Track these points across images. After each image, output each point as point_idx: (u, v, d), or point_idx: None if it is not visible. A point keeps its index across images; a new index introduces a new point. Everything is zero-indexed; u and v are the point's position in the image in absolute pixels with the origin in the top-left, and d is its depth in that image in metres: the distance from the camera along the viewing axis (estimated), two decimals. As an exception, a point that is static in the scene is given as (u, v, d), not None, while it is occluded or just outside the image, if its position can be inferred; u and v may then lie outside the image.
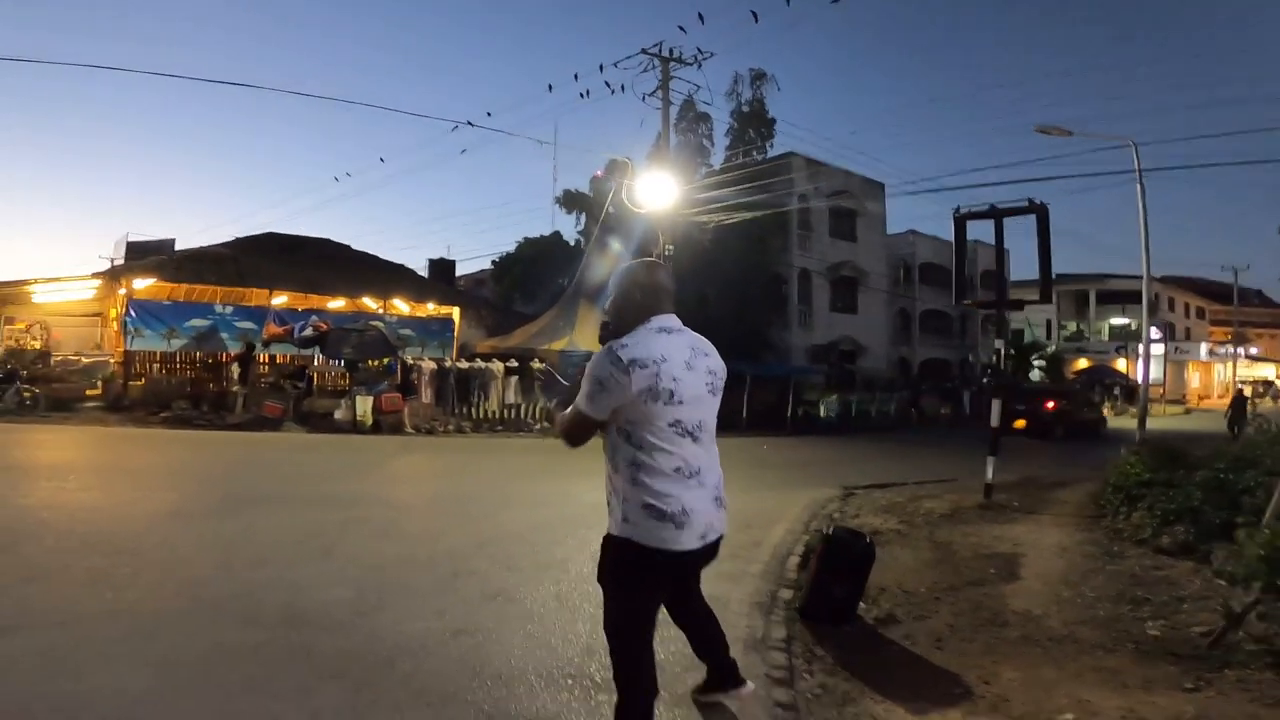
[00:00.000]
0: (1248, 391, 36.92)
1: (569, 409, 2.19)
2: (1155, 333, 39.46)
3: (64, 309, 16.61)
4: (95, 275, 16.39)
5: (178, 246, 19.25)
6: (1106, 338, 39.66)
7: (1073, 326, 42.92)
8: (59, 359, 15.10)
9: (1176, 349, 41.85)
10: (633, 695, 2.17)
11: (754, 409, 18.87)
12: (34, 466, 7.96)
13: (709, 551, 2.21)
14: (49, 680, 2.60)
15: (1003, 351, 8.75)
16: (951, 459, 11.00)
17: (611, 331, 2.19)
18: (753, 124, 24.92)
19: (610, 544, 2.14)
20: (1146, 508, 6.02)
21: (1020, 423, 17.24)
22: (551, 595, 3.90)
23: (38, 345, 15.48)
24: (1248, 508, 4.96)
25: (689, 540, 2.08)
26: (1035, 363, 32.10)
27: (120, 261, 18.53)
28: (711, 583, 4.25)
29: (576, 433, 2.14)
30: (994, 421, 8.30)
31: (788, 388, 20.10)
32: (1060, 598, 4.32)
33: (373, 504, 6.66)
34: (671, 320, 2.18)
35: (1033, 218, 7.04)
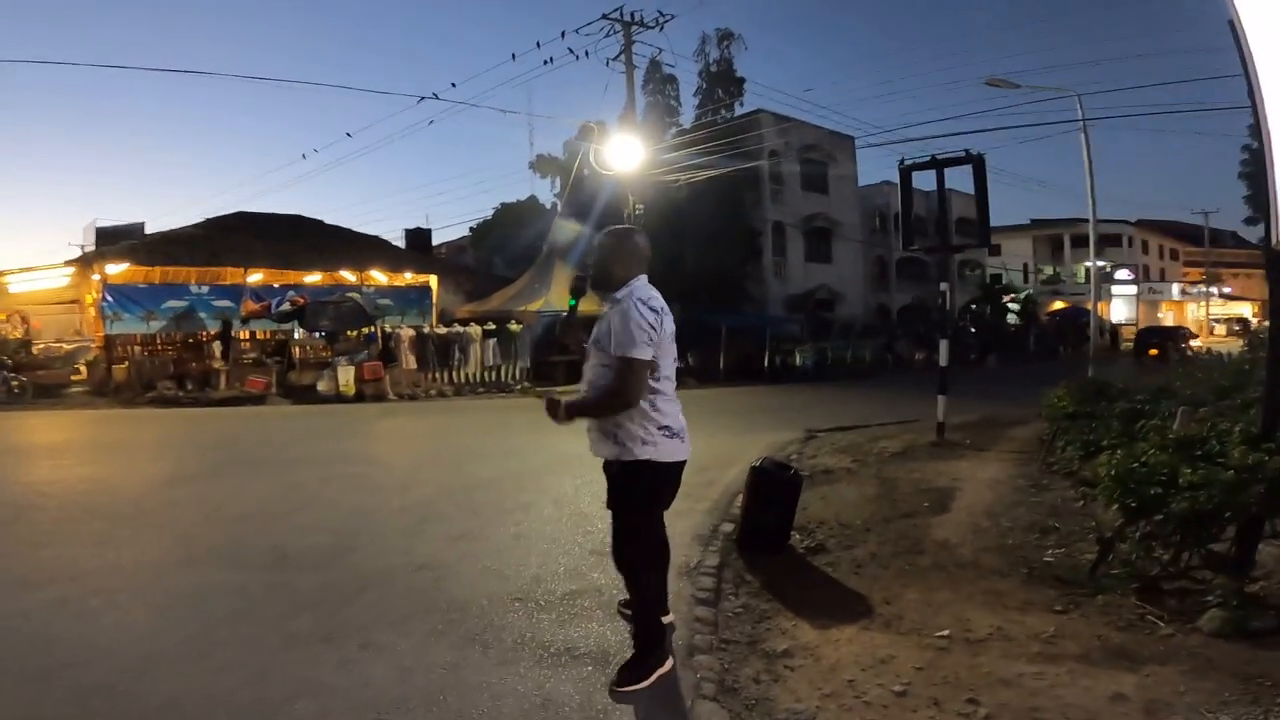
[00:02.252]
0: (1222, 330, 37.89)
1: (609, 373, 2.47)
2: (1127, 273, 40.22)
3: (40, 297, 16.57)
4: (69, 263, 16.39)
5: (147, 230, 19.15)
6: (1082, 280, 40.26)
7: (1049, 270, 43.43)
8: (41, 347, 15.21)
9: (1150, 289, 42.60)
10: (656, 615, 2.63)
11: (731, 359, 19.31)
12: (31, 448, 8.29)
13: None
14: (66, 623, 3.01)
15: (949, 294, 9.11)
16: (919, 401, 11.19)
17: (597, 284, 2.59)
18: (721, 83, 24.94)
19: (633, 469, 2.50)
20: (1071, 440, 6.37)
21: (1154, 351, 23.81)
22: (510, 535, 4.32)
23: (19, 335, 15.54)
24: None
25: (686, 451, 2.62)
26: (1009, 305, 32.66)
27: (90, 248, 18.43)
28: (659, 518, 4.72)
29: (641, 382, 2.45)
30: (942, 361, 8.69)
31: (764, 337, 20.52)
32: (979, 528, 4.59)
33: (352, 462, 7.07)
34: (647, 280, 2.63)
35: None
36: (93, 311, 15.49)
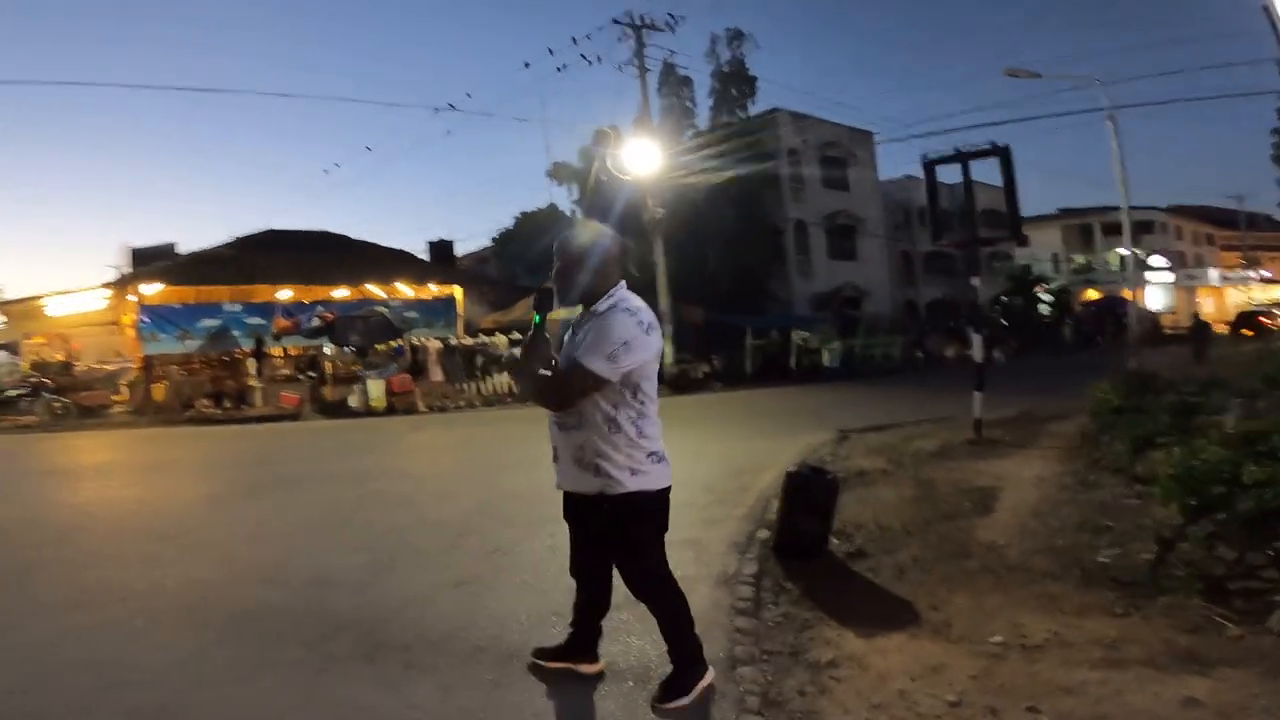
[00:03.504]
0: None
1: (546, 374, 2.25)
2: (1162, 260, 39.24)
3: (79, 320, 17.05)
4: (106, 285, 16.87)
5: (179, 250, 19.65)
6: (1116, 268, 39.42)
7: (1080, 259, 42.61)
8: (82, 368, 15.67)
9: (1188, 275, 41.59)
10: (692, 633, 2.48)
11: (757, 360, 19.20)
12: (77, 469, 8.51)
13: None
14: (113, 646, 3.04)
15: (979, 288, 8.95)
16: (952, 398, 10.86)
17: (569, 296, 2.30)
18: (734, 83, 25.09)
19: (625, 503, 2.25)
20: (1120, 435, 6.18)
21: (1248, 332, 25.36)
22: (545, 547, 4.27)
23: (60, 357, 16.01)
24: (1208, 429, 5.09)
25: (671, 476, 2.39)
26: (1042, 296, 32.04)
27: (126, 269, 18.99)
28: (695, 527, 4.68)
29: (575, 394, 2.21)
30: (977, 357, 8.52)
31: (790, 337, 20.39)
32: (1026, 529, 4.43)
33: (386, 478, 7.12)
34: None
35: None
36: (130, 332, 15.90)
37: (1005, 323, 27.83)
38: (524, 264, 26.45)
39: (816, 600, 3.51)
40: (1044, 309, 31.98)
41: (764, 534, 4.54)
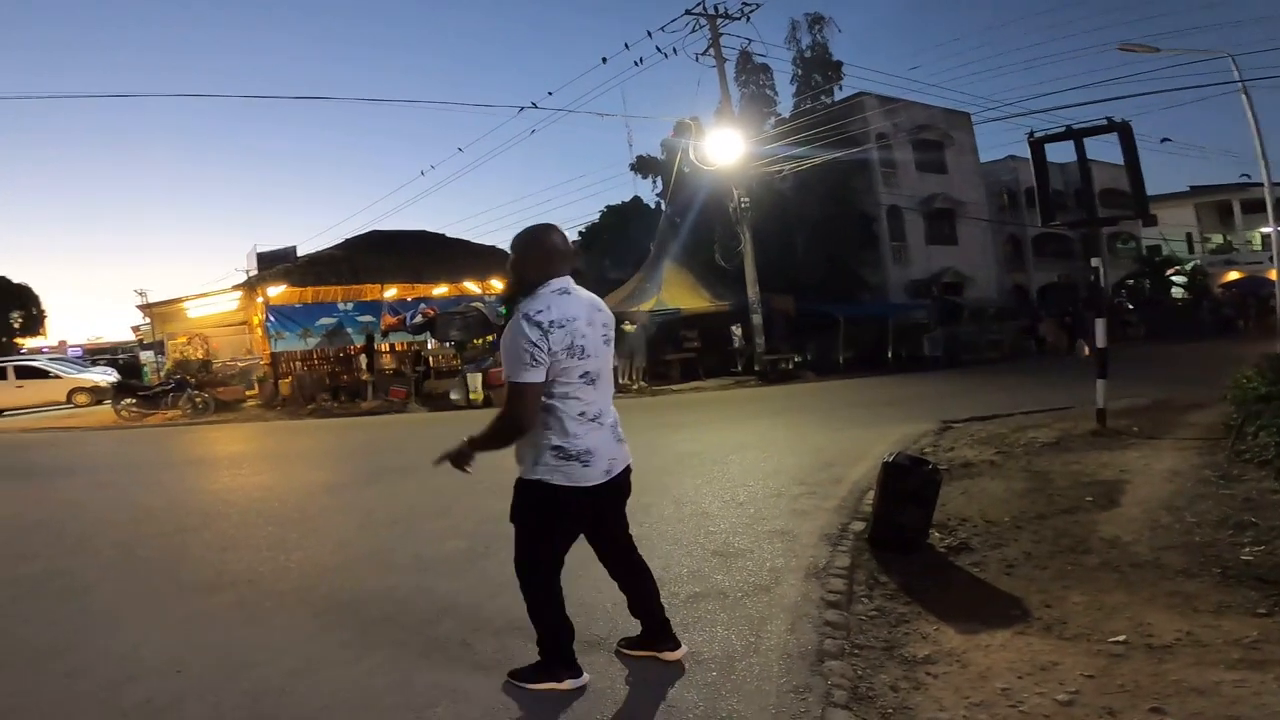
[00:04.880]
0: None
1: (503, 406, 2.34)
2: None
3: (214, 320, 18.56)
4: (236, 287, 18.31)
5: (299, 252, 21.10)
6: (1259, 247, 35.34)
7: (1218, 238, 38.48)
8: (219, 365, 17.24)
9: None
10: (550, 630, 2.50)
11: (851, 350, 18.58)
12: (214, 459, 9.41)
13: (618, 485, 2.50)
14: (245, 626, 3.33)
15: (1102, 270, 8.21)
16: (1070, 388, 10.19)
17: (515, 293, 2.39)
18: (817, 69, 24.20)
19: (523, 487, 2.40)
20: (1267, 426, 5.58)
21: None
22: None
23: (200, 355, 17.66)
24: None
25: (594, 476, 2.37)
26: (1174, 278, 29.20)
27: (253, 271, 20.59)
28: (785, 518, 4.60)
29: (530, 406, 2.27)
30: (1099, 342, 7.87)
31: (886, 326, 19.58)
32: (1156, 524, 4.11)
33: (484, 468, 7.33)
34: (568, 282, 2.38)
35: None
36: (259, 331, 17.26)
37: (1130, 306, 25.55)
38: (611, 257, 26.79)
39: (914, 594, 3.38)
40: (1177, 291, 29.15)
41: (858, 526, 4.42)
